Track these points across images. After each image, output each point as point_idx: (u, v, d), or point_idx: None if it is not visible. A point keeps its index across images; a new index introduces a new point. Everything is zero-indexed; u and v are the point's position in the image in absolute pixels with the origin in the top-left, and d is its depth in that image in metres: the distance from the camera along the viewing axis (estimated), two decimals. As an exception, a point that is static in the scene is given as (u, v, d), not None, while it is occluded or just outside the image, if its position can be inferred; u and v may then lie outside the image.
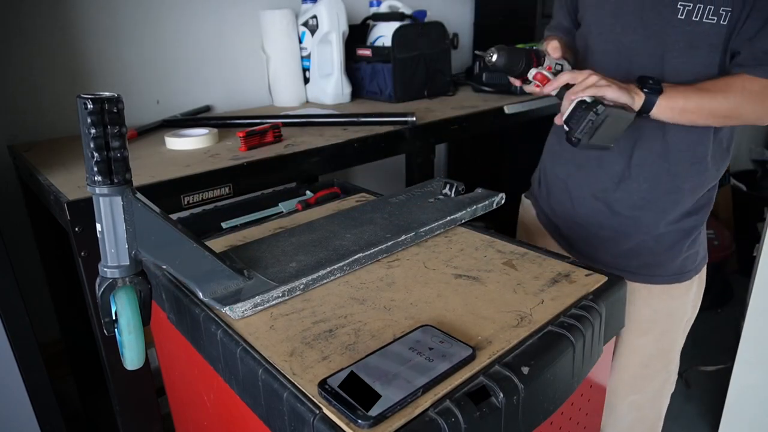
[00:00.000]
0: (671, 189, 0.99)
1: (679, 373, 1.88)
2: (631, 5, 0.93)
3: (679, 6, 0.87)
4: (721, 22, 0.85)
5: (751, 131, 3.09)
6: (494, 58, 0.88)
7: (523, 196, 1.25)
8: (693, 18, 0.86)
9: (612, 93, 0.84)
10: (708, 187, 1.02)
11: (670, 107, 0.87)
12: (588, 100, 0.84)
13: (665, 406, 1.18)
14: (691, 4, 0.86)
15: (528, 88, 0.95)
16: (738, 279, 2.47)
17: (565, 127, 0.88)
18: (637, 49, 0.93)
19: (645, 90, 0.87)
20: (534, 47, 0.93)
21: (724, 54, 0.88)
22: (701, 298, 1.13)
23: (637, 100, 0.87)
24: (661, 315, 1.07)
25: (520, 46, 0.93)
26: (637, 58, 0.94)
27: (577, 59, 1.05)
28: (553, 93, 0.90)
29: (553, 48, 0.92)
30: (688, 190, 0.99)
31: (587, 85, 0.85)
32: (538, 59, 0.91)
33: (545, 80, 0.91)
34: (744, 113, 0.89)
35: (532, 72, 0.91)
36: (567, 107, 0.87)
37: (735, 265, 2.54)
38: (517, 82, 0.95)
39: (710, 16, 0.86)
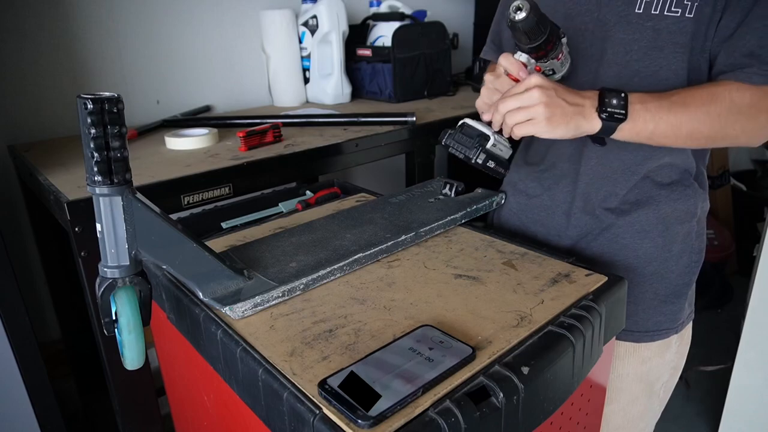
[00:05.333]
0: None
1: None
2: (585, 3, 0.79)
3: None
4: (687, 14, 0.71)
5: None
6: (522, 14, 0.67)
7: None
8: (652, 11, 0.73)
9: (546, 131, 0.70)
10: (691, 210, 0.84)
11: (635, 133, 0.72)
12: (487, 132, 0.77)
13: None
14: None
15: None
16: (738, 279, 2.47)
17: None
18: (592, 54, 0.80)
19: (603, 116, 0.70)
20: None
21: (694, 55, 0.74)
22: (684, 358, 0.93)
23: (593, 126, 0.71)
24: (628, 381, 0.87)
25: None
26: (592, 65, 0.80)
27: None
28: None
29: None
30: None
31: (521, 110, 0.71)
32: (554, 42, 0.72)
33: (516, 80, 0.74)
34: (731, 133, 0.72)
35: (522, 57, 0.74)
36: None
37: (735, 265, 2.55)
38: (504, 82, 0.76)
39: (673, 8, 0.72)
